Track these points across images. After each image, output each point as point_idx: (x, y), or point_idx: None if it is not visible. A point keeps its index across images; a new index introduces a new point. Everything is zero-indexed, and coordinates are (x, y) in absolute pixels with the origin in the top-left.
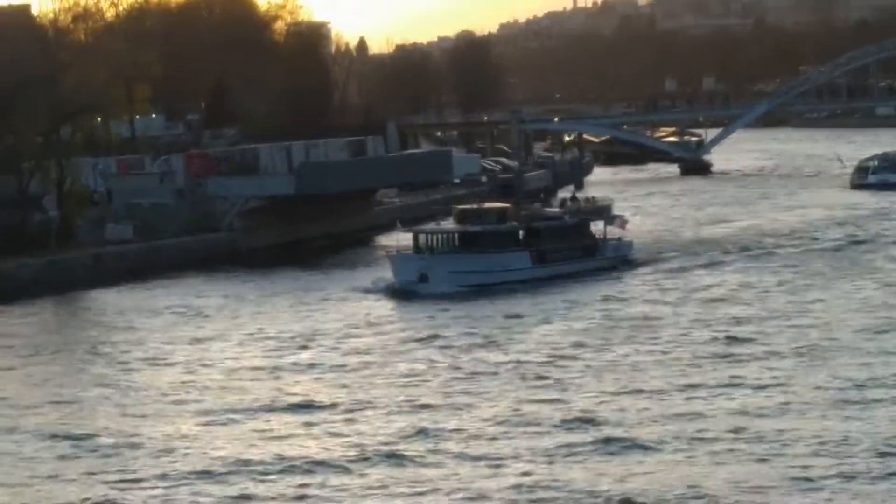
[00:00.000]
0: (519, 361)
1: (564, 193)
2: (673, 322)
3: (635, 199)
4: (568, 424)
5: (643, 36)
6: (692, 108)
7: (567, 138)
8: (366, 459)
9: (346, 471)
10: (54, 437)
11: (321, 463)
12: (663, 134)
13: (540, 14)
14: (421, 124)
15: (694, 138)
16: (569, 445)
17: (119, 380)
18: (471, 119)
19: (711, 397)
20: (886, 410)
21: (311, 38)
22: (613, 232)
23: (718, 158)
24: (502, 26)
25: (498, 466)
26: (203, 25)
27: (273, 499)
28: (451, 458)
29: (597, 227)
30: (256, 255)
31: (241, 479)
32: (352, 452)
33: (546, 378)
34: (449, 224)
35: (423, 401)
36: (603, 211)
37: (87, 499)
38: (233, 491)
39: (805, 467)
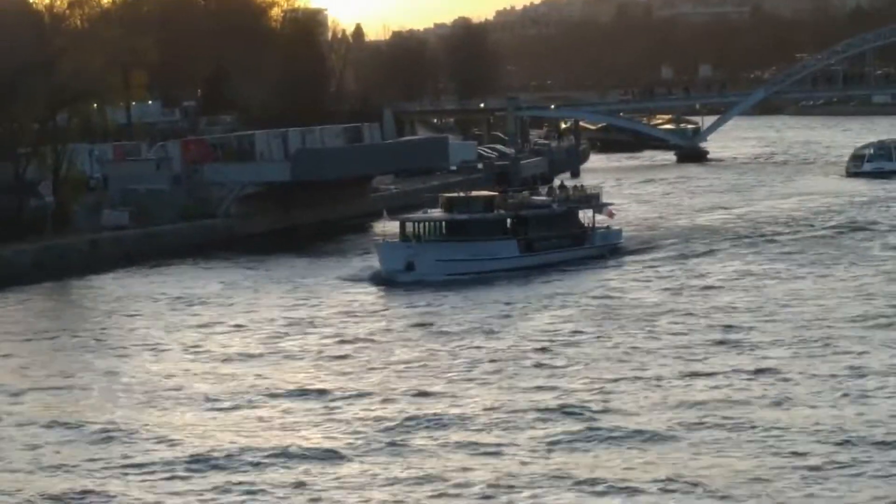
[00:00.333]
0: (513, 350)
1: (561, 180)
2: (666, 310)
3: (631, 187)
4: (567, 413)
5: (640, 23)
6: (689, 96)
7: (563, 125)
8: (364, 448)
9: (345, 459)
10: (50, 424)
11: (319, 451)
12: (659, 121)
13: (537, 1)
14: (417, 111)
15: (690, 126)
16: (568, 434)
17: (114, 367)
18: (467, 106)
19: (709, 386)
20: (886, 400)
21: (308, 24)
22: (602, 220)
23: (715, 146)
24: (499, 13)
25: (497, 455)
26: (199, 12)
27: (271, 487)
28: (451, 446)
29: (585, 215)
30: (252, 241)
31: (239, 468)
32: (350, 440)
33: (542, 366)
34: (436, 212)
35: (420, 389)
36: (591, 199)
37: (84, 488)
38: (231, 479)
39: (804, 455)
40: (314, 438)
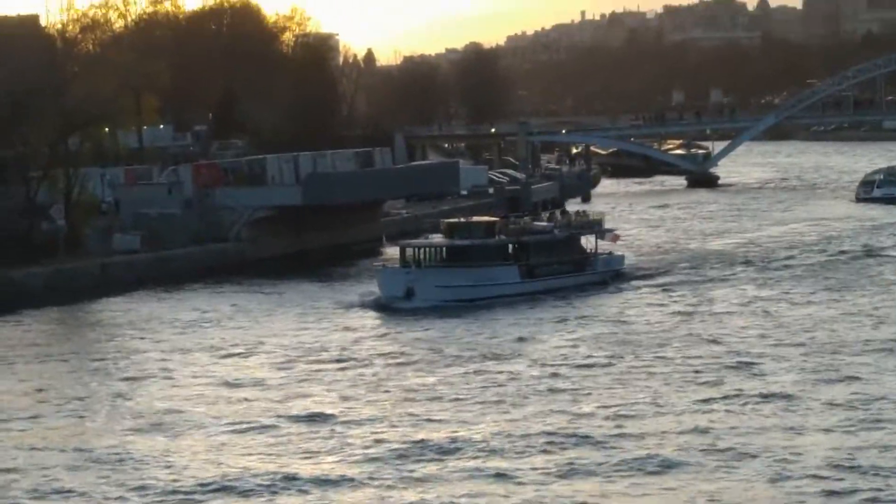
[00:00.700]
0: (523, 375)
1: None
2: (675, 335)
3: (642, 212)
4: (580, 439)
5: (651, 48)
6: (699, 121)
7: (574, 150)
8: (376, 473)
9: (357, 484)
10: (60, 449)
11: (330, 477)
12: (670, 146)
13: (548, 26)
14: (428, 136)
15: (701, 151)
16: (582, 460)
17: (123, 391)
18: (478, 131)
19: (720, 411)
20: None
21: (319, 49)
22: (605, 245)
23: (725, 171)
24: (510, 38)
25: (508, 480)
26: (211, 36)
27: None
28: (461, 472)
29: (588, 240)
30: (264, 265)
31: (250, 493)
32: (361, 467)
33: (553, 391)
34: (437, 238)
35: (428, 414)
36: (594, 224)
37: None
38: None
39: (819, 479)
40: (325, 464)
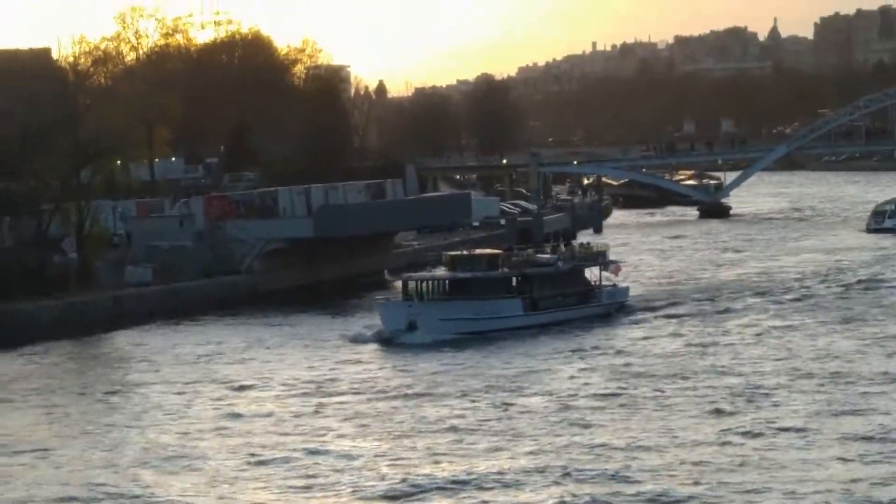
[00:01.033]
0: (530, 409)
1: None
2: (682, 370)
3: (653, 243)
4: (592, 472)
5: (662, 78)
6: (711, 151)
7: (586, 181)
8: None
9: None
10: (66, 483)
11: None
12: (682, 177)
13: (559, 57)
14: (440, 167)
15: (713, 181)
16: (595, 493)
17: (132, 425)
18: (490, 162)
19: (733, 445)
20: None
21: (331, 81)
22: (610, 277)
23: (737, 201)
24: (521, 69)
25: None
26: (223, 69)
27: None
28: None
29: (592, 272)
30: (275, 297)
31: None
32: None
33: (562, 425)
34: (440, 270)
35: (440, 448)
36: (597, 256)
37: None
38: None
39: None
40: (334, 499)
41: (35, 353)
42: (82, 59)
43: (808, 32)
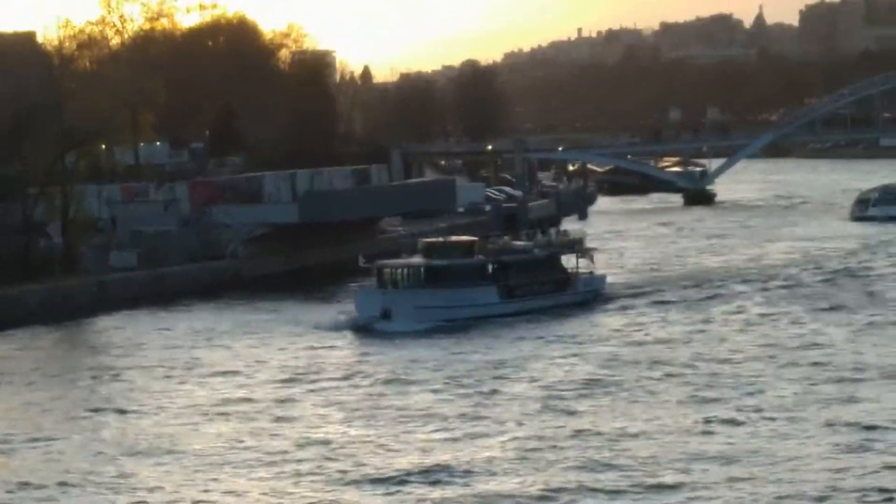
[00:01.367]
0: (516, 398)
1: (568, 224)
2: (664, 358)
3: (638, 230)
4: (581, 460)
5: (648, 66)
6: (696, 138)
7: (571, 167)
8: (366, 497)
9: None
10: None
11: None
12: (667, 164)
13: (544, 43)
14: (425, 153)
15: (698, 168)
16: (581, 481)
17: (112, 411)
18: (475, 148)
19: (719, 435)
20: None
21: (316, 66)
22: (587, 265)
23: (722, 188)
24: (507, 55)
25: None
26: (208, 53)
27: None
28: (457, 495)
29: (569, 260)
30: (260, 283)
31: None
32: (350, 491)
33: (551, 413)
34: (415, 258)
35: (430, 437)
36: (574, 244)
37: None
38: None
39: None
40: (313, 487)
41: (19, 337)
42: (67, 43)
43: (794, 20)
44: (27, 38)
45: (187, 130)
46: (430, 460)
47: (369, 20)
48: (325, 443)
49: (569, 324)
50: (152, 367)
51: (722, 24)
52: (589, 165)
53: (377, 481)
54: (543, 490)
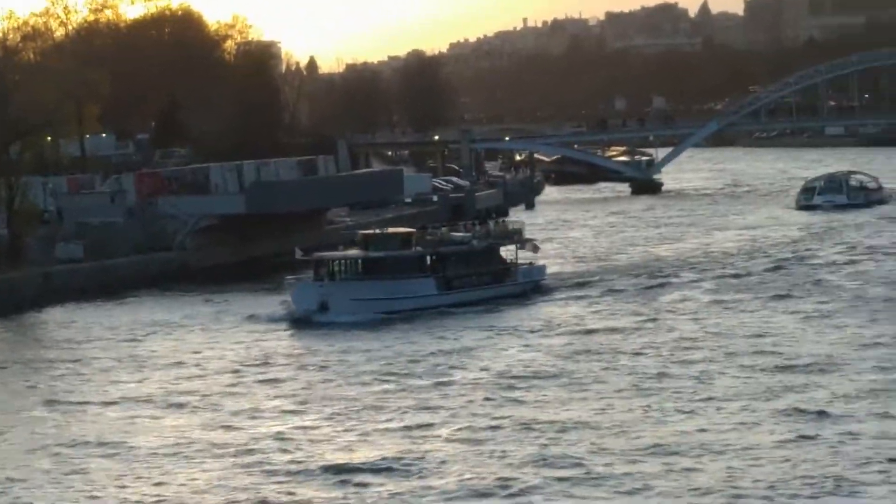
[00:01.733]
0: (464, 390)
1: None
2: (613, 347)
3: (585, 219)
4: (531, 451)
5: (593, 56)
6: (642, 128)
7: (518, 157)
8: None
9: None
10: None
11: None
12: (614, 153)
13: (490, 34)
14: (372, 143)
15: (644, 157)
16: (537, 474)
17: (52, 405)
18: (422, 138)
19: (669, 425)
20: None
21: (261, 57)
22: (527, 256)
23: (669, 177)
24: (452, 45)
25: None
26: (153, 45)
27: None
28: (407, 492)
29: (508, 251)
30: (207, 274)
31: None
32: (290, 486)
33: (497, 403)
34: (352, 250)
35: (369, 429)
36: (513, 234)
37: None
38: None
39: (772, 487)
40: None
41: None
42: (11, 35)
43: (739, 9)
44: None
45: (132, 122)
46: (380, 452)
47: (315, 11)
48: (276, 434)
49: (511, 314)
50: (99, 359)
51: (667, 14)
52: (536, 155)
53: (329, 472)
54: (497, 481)
